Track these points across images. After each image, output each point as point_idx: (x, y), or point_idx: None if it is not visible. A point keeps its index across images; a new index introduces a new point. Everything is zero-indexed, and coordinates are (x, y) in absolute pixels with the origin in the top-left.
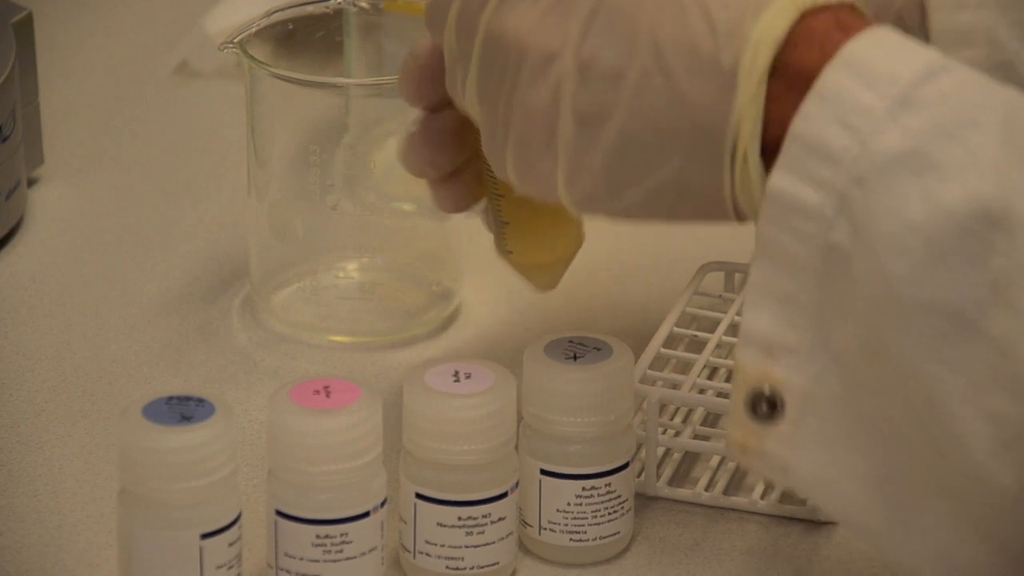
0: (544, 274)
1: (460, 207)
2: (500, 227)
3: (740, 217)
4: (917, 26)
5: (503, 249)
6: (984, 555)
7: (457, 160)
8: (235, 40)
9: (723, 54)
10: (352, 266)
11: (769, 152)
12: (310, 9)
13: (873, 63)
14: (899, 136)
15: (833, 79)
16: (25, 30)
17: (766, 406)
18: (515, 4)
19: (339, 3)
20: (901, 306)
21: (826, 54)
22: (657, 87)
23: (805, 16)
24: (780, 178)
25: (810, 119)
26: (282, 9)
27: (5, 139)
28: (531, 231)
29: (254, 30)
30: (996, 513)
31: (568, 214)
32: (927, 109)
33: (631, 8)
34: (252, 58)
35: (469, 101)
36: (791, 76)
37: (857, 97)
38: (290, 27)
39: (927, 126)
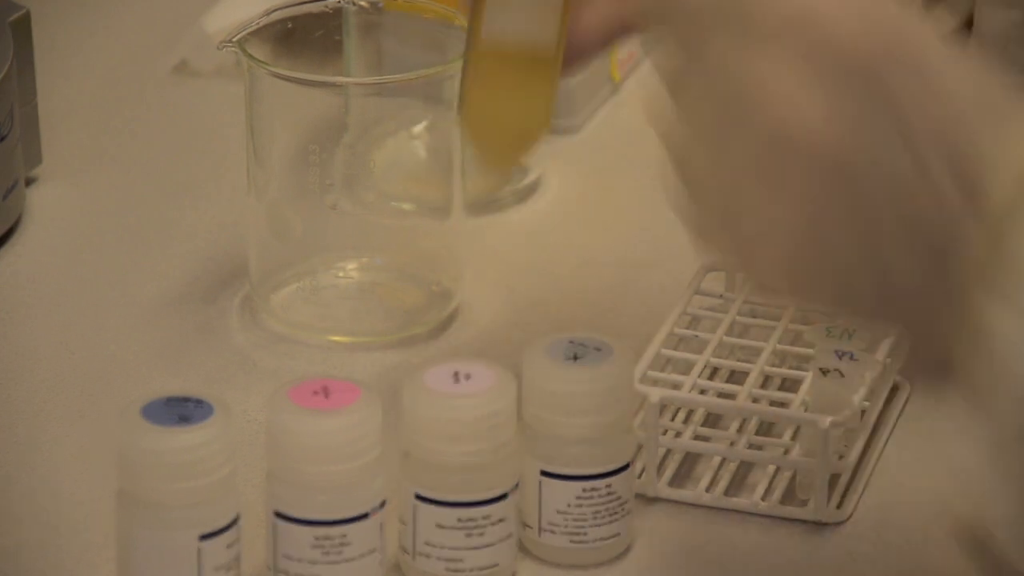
0: (497, 150)
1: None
2: (464, 83)
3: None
4: None
5: (460, 112)
6: None
7: None
8: (234, 39)
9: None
10: (352, 266)
11: None
12: (309, 8)
13: None
14: None
15: None
16: (23, 29)
17: None
18: None
19: (338, 2)
20: None
21: None
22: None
23: None
24: None
25: None
26: (281, 8)
27: (3, 138)
28: (491, 93)
29: (253, 29)
30: None
31: (535, 87)
32: None
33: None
34: (251, 57)
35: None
36: None
37: None
38: (289, 26)
39: None
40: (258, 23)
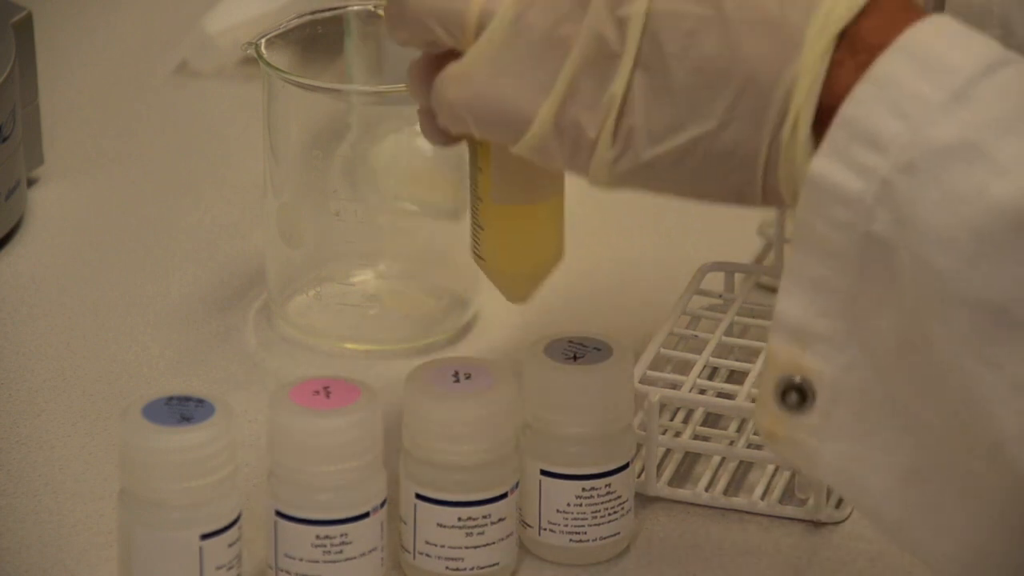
0: (516, 285)
1: (442, 141)
2: (476, 230)
3: (767, 197)
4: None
5: (476, 253)
6: (1013, 552)
7: None
8: (255, 41)
9: (789, 13)
10: (369, 274)
11: (818, 125)
12: (335, 11)
13: (932, 52)
14: (953, 127)
15: (890, 65)
16: (25, 30)
17: (796, 395)
18: None
19: (342, 9)
20: (943, 300)
21: (893, 31)
22: (712, 33)
23: None
24: (822, 163)
25: (861, 104)
26: (313, 12)
27: (5, 139)
28: (505, 240)
29: (281, 31)
30: None
31: (546, 228)
32: (984, 103)
33: None
34: (265, 62)
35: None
36: (857, 45)
37: (913, 86)
38: (319, 30)
39: (983, 119)
40: (287, 24)
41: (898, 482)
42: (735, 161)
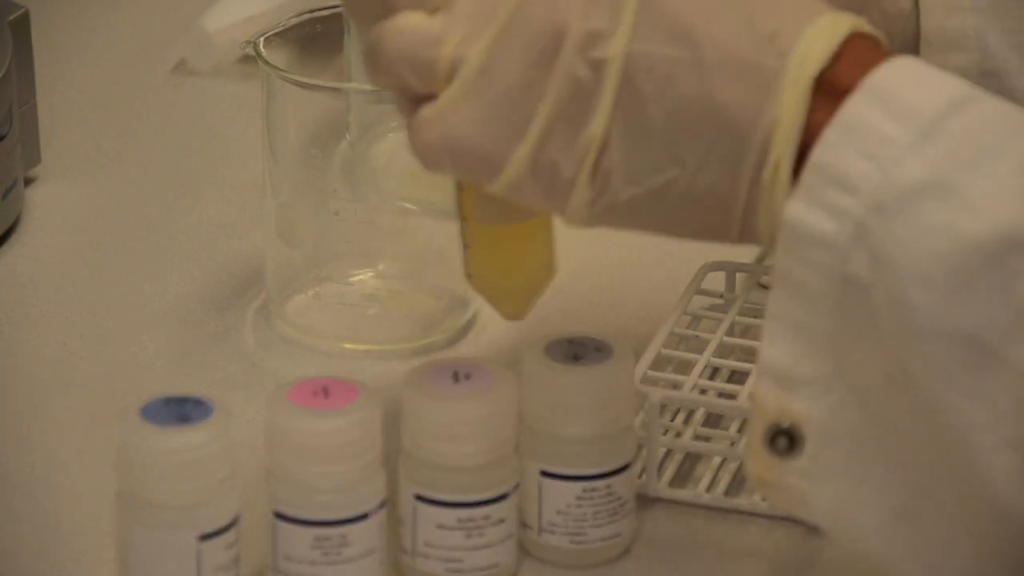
0: (507, 303)
1: None
2: (464, 249)
3: (744, 237)
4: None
5: (466, 271)
6: None
7: None
8: (254, 40)
9: (766, 57)
10: (368, 274)
11: (795, 168)
12: (334, 10)
13: (898, 93)
14: (922, 165)
15: (857, 108)
16: (22, 28)
17: (785, 441)
18: None
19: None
20: (922, 336)
21: (864, 73)
22: (689, 76)
23: (852, 35)
24: (797, 207)
25: (830, 148)
26: (312, 11)
27: (1, 138)
28: (491, 258)
29: (279, 29)
30: (1019, 547)
31: (533, 245)
32: (951, 141)
33: (675, 5)
34: (264, 60)
35: (466, 79)
36: (830, 88)
37: (880, 127)
38: (318, 28)
39: (951, 157)
40: (285, 23)
41: (890, 520)
42: (712, 202)
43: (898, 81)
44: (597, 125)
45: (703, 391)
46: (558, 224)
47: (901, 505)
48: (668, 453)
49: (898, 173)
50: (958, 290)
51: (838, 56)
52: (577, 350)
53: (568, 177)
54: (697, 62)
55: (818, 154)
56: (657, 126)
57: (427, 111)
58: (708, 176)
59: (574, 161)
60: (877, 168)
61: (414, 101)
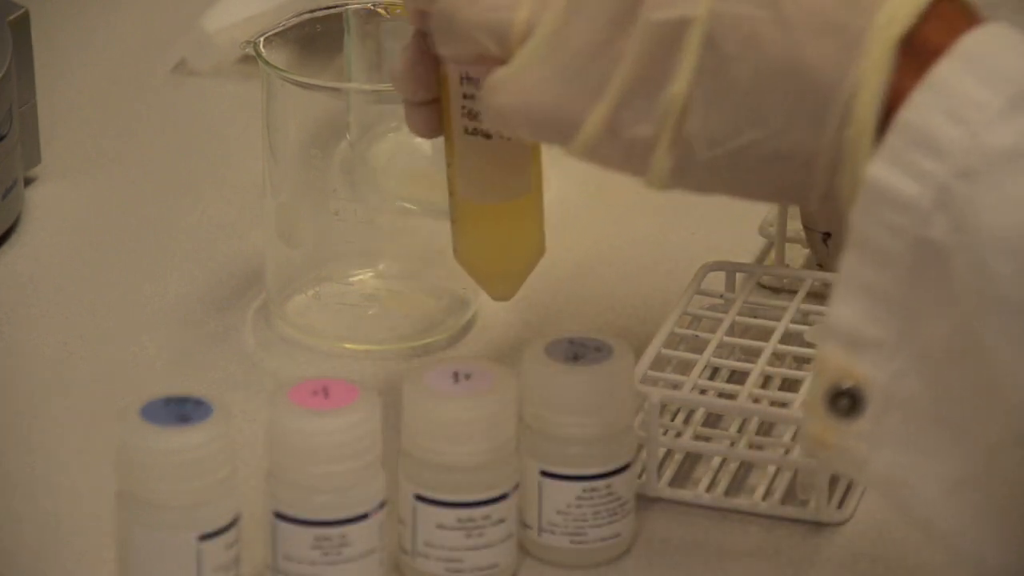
0: (493, 281)
1: (426, 133)
2: (452, 225)
3: (826, 197)
4: None
5: (454, 248)
6: None
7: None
8: (254, 40)
9: (851, 15)
10: (368, 274)
11: (877, 129)
12: (334, 10)
13: (990, 59)
14: (1012, 133)
15: (948, 71)
16: (22, 28)
17: (847, 401)
18: None
19: (342, 7)
20: (1000, 305)
21: (952, 37)
22: (772, 35)
23: None
24: (879, 168)
25: (919, 109)
26: (312, 11)
27: (1, 138)
28: (478, 236)
29: (279, 29)
30: None
31: (521, 225)
32: None
33: None
34: (264, 60)
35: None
36: (917, 49)
37: (971, 92)
38: (318, 28)
39: None
40: (284, 24)
41: (948, 491)
42: (794, 163)
43: (990, 46)
44: (678, 86)
45: (703, 391)
46: (557, 221)
47: (961, 476)
48: (668, 453)
49: (987, 139)
50: None
51: (925, 17)
52: (577, 350)
53: (647, 139)
54: (780, 21)
55: (905, 115)
56: (740, 87)
57: (501, 73)
58: (791, 137)
59: (653, 123)
60: (966, 133)
61: (428, 53)
